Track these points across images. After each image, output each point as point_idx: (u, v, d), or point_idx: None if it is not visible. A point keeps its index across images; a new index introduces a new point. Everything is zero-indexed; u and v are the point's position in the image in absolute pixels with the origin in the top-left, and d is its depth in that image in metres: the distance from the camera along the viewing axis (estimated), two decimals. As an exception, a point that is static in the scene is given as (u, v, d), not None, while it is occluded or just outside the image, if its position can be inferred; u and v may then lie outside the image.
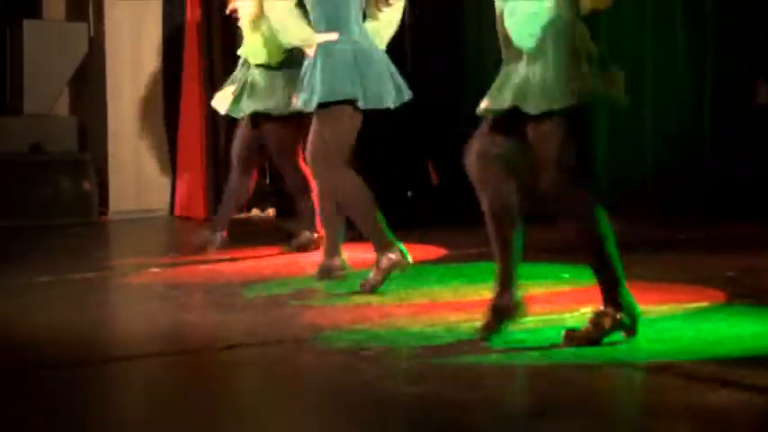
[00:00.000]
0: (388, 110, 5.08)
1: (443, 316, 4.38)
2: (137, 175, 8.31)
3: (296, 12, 5.00)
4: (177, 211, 8.24)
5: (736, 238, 6.14)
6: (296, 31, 4.98)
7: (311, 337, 4.16)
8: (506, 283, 3.96)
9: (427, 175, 7.74)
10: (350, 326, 4.31)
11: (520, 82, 3.83)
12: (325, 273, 5.14)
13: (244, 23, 6.10)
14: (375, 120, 5.13)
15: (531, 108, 3.80)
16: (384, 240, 4.91)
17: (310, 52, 4.95)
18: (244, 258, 5.99)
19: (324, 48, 4.91)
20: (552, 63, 3.79)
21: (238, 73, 6.15)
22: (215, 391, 3.60)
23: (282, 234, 6.29)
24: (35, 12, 8.36)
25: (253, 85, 6.03)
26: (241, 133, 6.20)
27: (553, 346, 3.85)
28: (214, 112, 8.02)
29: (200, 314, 4.70)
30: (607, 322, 3.85)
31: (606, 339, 3.84)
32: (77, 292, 5.20)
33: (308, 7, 4.99)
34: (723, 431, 3.01)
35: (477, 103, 3.97)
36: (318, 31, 4.95)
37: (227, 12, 6.33)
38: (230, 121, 6.43)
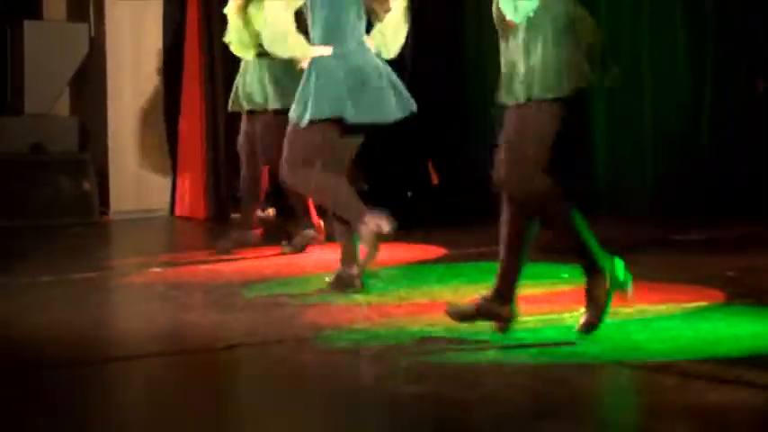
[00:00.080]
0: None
1: (443, 315, 4.38)
2: (137, 175, 8.32)
3: (291, 19, 4.97)
4: (177, 211, 8.25)
5: (735, 238, 6.14)
6: (292, 44, 4.95)
7: (312, 337, 4.17)
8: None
9: (427, 175, 7.75)
10: (350, 325, 4.32)
11: (524, 71, 3.83)
12: (343, 283, 4.93)
13: (230, 12, 6.07)
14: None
15: (503, 98, 3.83)
16: (359, 211, 4.87)
17: (304, 64, 4.94)
18: (244, 258, 6.00)
19: (317, 62, 4.90)
20: (550, 49, 3.79)
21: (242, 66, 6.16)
22: (215, 391, 3.61)
23: (283, 234, 6.28)
24: (36, 12, 8.37)
25: (245, 79, 6.05)
26: (242, 128, 6.21)
27: (552, 345, 3.86)
28: (215, 112, 8.07)
29: (201, 314, 4.71)
30: (602, 294, 3.86)
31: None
32: (78, 292, 5.21)
33: (308, 18, 4.98)
34: (722, 430, 3.01)
35: (477, 103, 3.99)
36: (314, 44, 4.94)
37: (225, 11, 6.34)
38: (228, 122, 6.43)
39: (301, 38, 4.96)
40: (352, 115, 4.84)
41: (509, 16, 3.82)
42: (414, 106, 5.04)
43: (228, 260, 5.98)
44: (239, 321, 4.45)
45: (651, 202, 7.02)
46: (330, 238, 5.40)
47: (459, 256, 5.86)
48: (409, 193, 7.75)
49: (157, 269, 5.82)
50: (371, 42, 4.99)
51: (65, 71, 8.24)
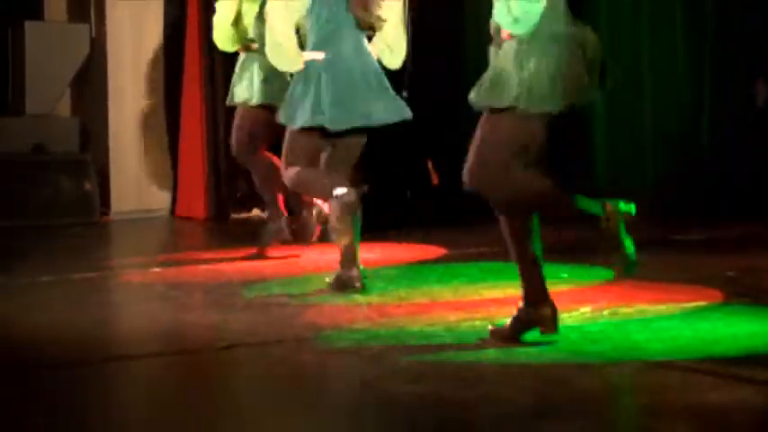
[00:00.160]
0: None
1: (443, 315, 4.39)
2: (138, 175, 8.33)
3: (289, 26, 4.97)
4: (178, 212, 8.25)
5: (735, 238, 6.15)
6: (284, 57, 4.96)
7: (311, 337, 4.17)
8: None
9: (427, 175, 7.74)
10: (350, 325, 4.32)
11: (516, 80, 3.83)
12: (342, 285, 4.92)
13: (221, 4, 6.05)
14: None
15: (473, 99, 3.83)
16: (321, 195, 4.89)
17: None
18: (244, 258, 6.00)
19: (308, 67, 4.91)
20: (530, 66, 3.79)
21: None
22: (215, 391, 3.61)
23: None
24: (37, 13, 8.37)
25: (237, 73, 6.06)
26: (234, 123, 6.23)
27: (553, 345, 3.86)
28: (215, 113, 8.07)
29: (201, 314, 4.71)
30: (612, 221, 3.87)
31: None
32: (78, 292, 5.21)
33: (307, 21, 4.99)
34: (722, 430, 3.02)
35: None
36: (309, 48, 4.95)
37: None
38: (228, 123, 6.43)
39: (294, 49, 4.96)
40: (332, 122, 4.85)
41: (508, 28, 3.81)
42: (407, 114, 5.03)
43: (229, 260, 5.99)
44: (239, 321, 4.46)
45: (651, 202, 7.01)
46: (324, 238, 5.40)
47: (459, 256, 5.87)
48: (409, 193, 7.75)
49: (157, 269, 5.83)
50: (374, 50, 5.00)
51: (66, 72, 8.25)
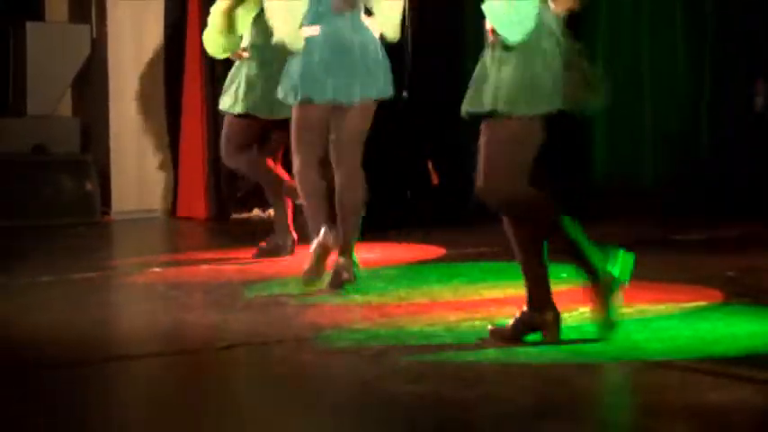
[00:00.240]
0: (389, 109, 5.09)
1: (443, 315, 4.39)
2: (139, 175, 8.33)
3: (290, 12, 4.99)
4: (179, 212, 8.26)
5: (735, 238, 6.15)
6: (285, 29, 4.99)
7: (312, 337, 4.17)
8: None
9: (427, 175, 7.75)
10: (350, 325, 4.33)
11: (493, 83, 3.83)
12: (338, 278, 4.98)
13: (216, 10, 6.04)
14: (375, 120, 5.13)
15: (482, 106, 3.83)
16: (315, 226, 4.93)
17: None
18: (244, 258, 6.00)
19: (307, 42, 4.96)
20: (525, 66, 3.80)
21: None
22: (215, 391, 3.61)
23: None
24: (38, 13, 8.38)
25: (228, 82, 6.07)
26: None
27: (552, 345, 3.87)
28: (215, 113, 8.07)
29: (201, 314, 4.72)
30: (602, 293, 3.87)
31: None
32: (79, 292, 5.22)
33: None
34: (721, 429, 3.02)
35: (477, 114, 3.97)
36: (305, 24, 4.98)
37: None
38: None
39: (297, 36, 4.98)
40: (320, 95, 4.86)
41: (502, 33, 3.81)
42: (387, 92, 5.01)
43: (229, 260, 5.99)
44: (239, 321, 4.46)
45: (651, 202, 7.02)
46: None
47: (458, 256, 5.87)
48: (409, 193, 7.75)
49: (158, 269, 5.83)
50: (373, 24, 5.02)
51: (67, 72, 8.26)
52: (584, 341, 3.91)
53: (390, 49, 5.15)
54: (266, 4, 5.13)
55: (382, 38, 5.04)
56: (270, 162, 5.96)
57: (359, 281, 5.01)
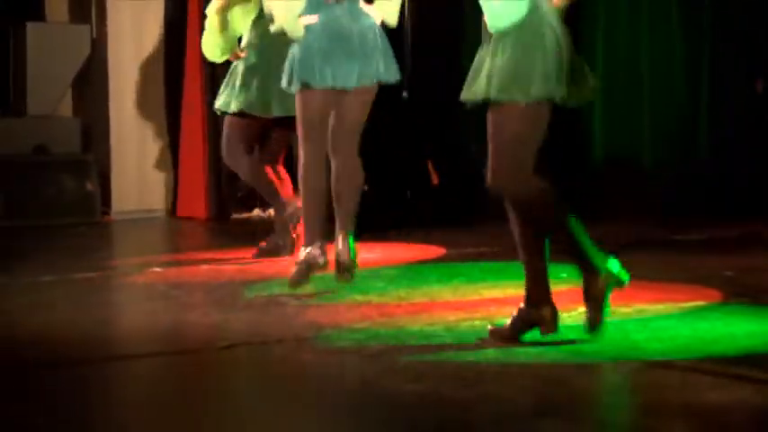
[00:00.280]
0: (389, 109, 5.09)
1: (443, 315, 4.40)
2: (139, 175, 8.34)
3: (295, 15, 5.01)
4: (179, 212, 8.27)
5: (735, 239, 6.16)
6: (285, 17, 5.00)
7: (312, 337, 4.18)
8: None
9: (427, 175, 7.75)
10: (350, 325, 4.33)
11: (486, 71, 3.85)
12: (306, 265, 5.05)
13: (210, 12, 6.05)
14: (375, 119, 5.15)
15: (481, 95, 3.84)
16: (310, 236, 4.94)
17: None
18: (245, 258, 6.01)
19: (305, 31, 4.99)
20: (519, 54, 3.81)
21: None
22: (215, 391, 3.62)
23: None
24: (38, 14, 8.39)
25: (225, 81, 6.08)
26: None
27: (552, 345, 3.87)
28: (216, 113, 8.08)
29: (202, 313, 4.72)
30: (599, 293, 3.88)
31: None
32: (80, 292, 5.22)
33: None
34: (720, 429, 3.02)
35: (477, 103, 3.98)
36: (303, 14, 5.00)
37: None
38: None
39: (298, 27, 4.99)
40: (317, 80, 4.88)
41: (489, 22, 3.84)
42: (387, 77, 5.01)
43: (230, 260, 6.00)
44: (240, 321, 4.47)
45: (651, 201, 7.03)
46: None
47: (458, 256, 5.88)
48: (409, 193, 7.76)
49: (159, 269, 5.84)
50: (373, 11, 5.03)
51: (67, 73, 8.27)
52: (584, 341, 3.92)
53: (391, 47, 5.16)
54: (265, 2, 5.14)
55: (383, 25, 5.06)
56: (270, 173, 5.97)
57: (359, 281, 5.03)
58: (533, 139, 3.86)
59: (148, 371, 3.86)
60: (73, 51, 8.22)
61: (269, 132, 5.95)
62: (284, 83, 5.07)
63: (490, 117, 3.88)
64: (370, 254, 5.86)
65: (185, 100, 8.20)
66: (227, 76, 6.02)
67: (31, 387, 3.60)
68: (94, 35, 8.33)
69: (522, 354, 3.79)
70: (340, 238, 4.99)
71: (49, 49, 8.10)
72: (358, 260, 5.05)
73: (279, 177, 5.96)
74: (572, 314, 4.24)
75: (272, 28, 5.11)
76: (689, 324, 4.12)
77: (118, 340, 4.41)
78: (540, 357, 3.76)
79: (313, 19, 4.95)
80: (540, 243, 3.92)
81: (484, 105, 3.90)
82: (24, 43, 8.07)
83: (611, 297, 3.90)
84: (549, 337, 3.93)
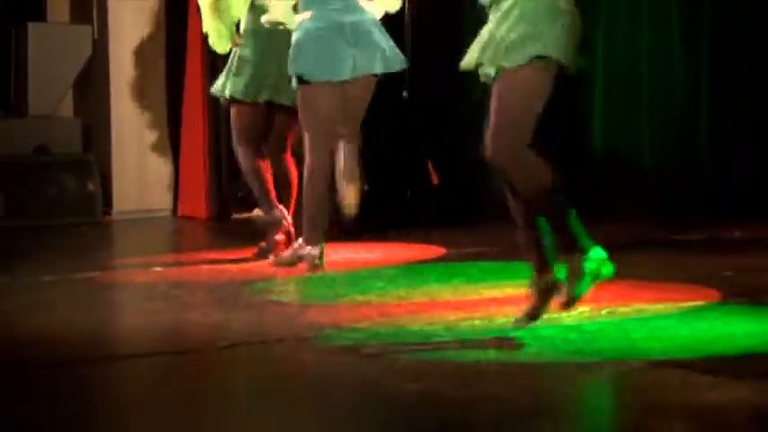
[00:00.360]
0: (390, 108, 5.11)
1: (443, 315, 4.41)
2: (140, 175, 8.35)
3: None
4: (180, 212, 8.28)
5: (734, 238, 6.16)
6: (280, 13, 5.02)
7: (312, 336, 4.19)
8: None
9: (427, 175, 7.76)
10: (350, 324, 4.34)
11: (486, 39, 3.86)
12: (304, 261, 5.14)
13: (203, 2, 6.06)
14: (375, 119, 5.16)
15: (490, 65, 3.85)
16: (315, 237, 4.96)
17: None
18: (246, 258, 6.02)
19: (298, 26, 4.99)
20: (519, 21, 3.83)
21: None
22: (216, 390, 3.63)
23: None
24: (39, 15, 8.40)
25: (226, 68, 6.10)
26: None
27: (552, 344, 3.88)
28: (217, 113, 8.10)
29: (202, 313, 4.73)
30: (577, 265, 3.89)
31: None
32: (81, 292, 5.23)
33: None
34: (720, 428, 3.03)
35: (477, 104, 4.00)
36: (301, 10, 5.03)
37: None
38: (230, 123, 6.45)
39: (290, 10, 5.01)
40: (309, 73, 4.87)
41: None
42: (384, 68, 5.02)
43: (230, 260, 6.01)
44: (240, 321, 4.48)
45: (650, 201, 7.03)
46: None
47: (458, 256, 5.88)
48: (409, 193, 7.76)
49: (160, 268, 5.85)
50: (375, 5, 5.04)
51: (68, 73, 8.28)
52: (584, 341, 3.93)
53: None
54: None
55: (384, 17, 5.08)
56: (268, 173, 5.98)
57: (359, 281, 5.04)
58: (536, 109, 3.88)
59: (148, 371, 3.87)
60: (74, 52, 8.24)
61: (273, 121, 5.92)
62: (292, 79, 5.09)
63: (496, 88, 3.88)
64: (370, 254, 5.88)
65: (186, 100, 8.21)
66: (227, 63, 6.04)
67: (31, 387, 3.61)
68: (96, 35, 8.34)
69: (522, 354, 3.80)
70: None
71: (51, 49, 8.11)
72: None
73: (288, 168, 5.94)
74: (571, 313, 4.25)
75: (264, 18, 5.12)
76: (688, 324, 4.13)
77: (118, 340, 4.42)
78: (540, 357, 3.76)
79: (306, 15, 4.97)
80: (530, 215, 3.94)
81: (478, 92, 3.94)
82: (25, 43, 8.08)
83: (612, 295, 3.92)
84: (549, 337, 3.94)
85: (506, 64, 3.84)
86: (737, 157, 6.87)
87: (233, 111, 5.98)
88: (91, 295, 5.17)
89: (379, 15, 5.05)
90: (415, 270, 5.53)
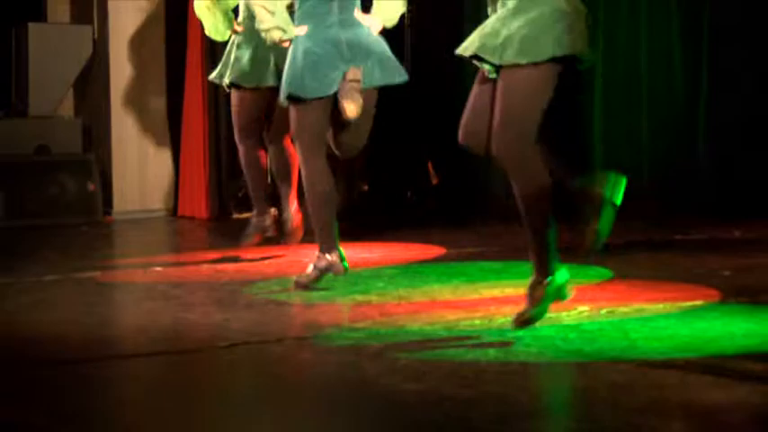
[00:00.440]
0: (390, 108, 5.11)
1: (442, 314, 4.41)
2: (140, 175, 8.36)
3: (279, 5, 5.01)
4: (180, 211, 8.29)
5: (734, 238, 6.16)
6: (275, 25, 5.00)
7: (312, 336, 4.20)
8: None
9: (427, 175, 7.77)
10: (350, 324, 4.35)
11: (494, 35, 3.87)
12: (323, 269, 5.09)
13: (200, 6, 6.06)
14: (376, 119, 5.16)
15: (497, 58, 3.85)
16: (329, 243, 4.94)
17: (286, 43, 5.02)
18: (245, 258, 6.03)
19: (294, 42, 4.97)
20: (533, 18, 3.84)
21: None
22: (216, 390, 3.63)
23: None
24: (40, 15, 8.41)
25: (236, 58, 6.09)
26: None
27: (551, 344, 3.89)
28: (217, 113, 8.11)
29: (203, 313, 4.74)
30: (540, 291, 3.90)
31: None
32: (81, 291, 5.24)
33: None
34: (719, 428, 3.03)
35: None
36: (296, 24, 5.00)
37: None
38: (231, 123, 6.46)
39: (282, 20, 4.98)
40: (307, 90, 4.88)
41: None
42: (389, 79, 5.00)
43: (231, 259, 6.02)
44: (240, 320, 4.48)
45: (650, 201, 7.03)
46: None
47: (458, 256, 5.89)
48: (409, 193, 7.77)
49: (160, 268, 5.85)
50: (372, 19, 5.03)
51: (69, 73, 8.29)
52: (583, 341, 3.93)
53: (390, 50, 5.16)
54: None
55: (382, 32, 5.06)
56: (264, 171, 6.01)
57: (359, 280, 5.04)
58: (542, 106, 3.89)
59: (149, 370, 3.87)
60: (74, 52, 8.25)
61: (273, 107, 5.92)
62: (281, 98, 5.07)
63: (502, 83, 3.88)
64: (370, 254, 5.88)
65: (187, 100, 8.21)
66: (226, 50, 6.05)
67: (32, 387, 3.61)
68: (96, 36, 8.35)
69: (522, 353, 3.80)
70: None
71: (51, 49, 8.13)
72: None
73: (288, 153, 5.95)
74: (571, 313, 4.26)
75: (265, 38, 5.09)
76: (688, 323, 4.13)
77: (119, 340, 4.42)
78: (540, 357, 3.77)
79: (302, 30, 4.94)
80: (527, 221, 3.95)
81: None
82: (26, 44, 8.09)
83: (611, 294, 3.92)
84: (548, 337, 3.94)
85: (521, 60, 3.84)
86: (737, 156, 6.88)
87: (234, 97, 5.99)
88: (91, 295, 5.17)
89: (376, 30, 5.02)
90: (414, 270, 5.53)
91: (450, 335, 4.09)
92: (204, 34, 6.30)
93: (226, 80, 5.94)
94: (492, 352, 3.83)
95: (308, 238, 5.65)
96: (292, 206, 5.93)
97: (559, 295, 4.01)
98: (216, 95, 8.04)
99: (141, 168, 8.36)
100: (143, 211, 8.30)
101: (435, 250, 6.10)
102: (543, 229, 3.91)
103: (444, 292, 4.94)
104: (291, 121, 5.03)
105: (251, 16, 5.74)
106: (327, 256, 4.93)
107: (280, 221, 6.03)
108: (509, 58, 3.86)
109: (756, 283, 4.89)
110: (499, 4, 3.95)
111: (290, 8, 5.07)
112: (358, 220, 6.83)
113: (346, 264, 4.95)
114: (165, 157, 8.40)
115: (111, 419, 3.33)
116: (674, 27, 7.07)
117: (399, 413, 3.25)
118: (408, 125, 7.61)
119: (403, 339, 4.06)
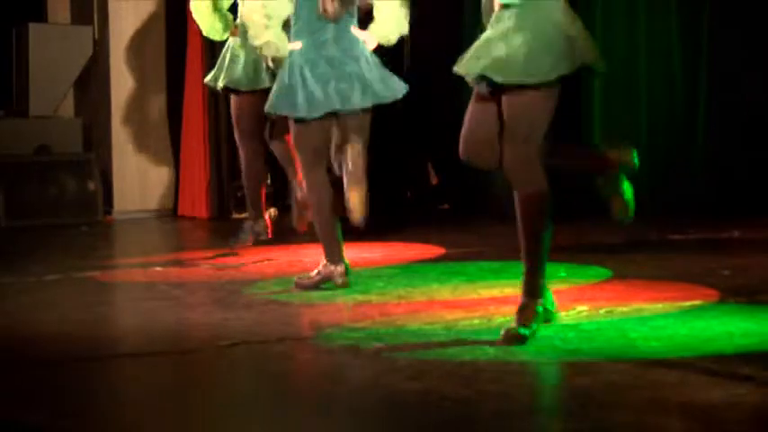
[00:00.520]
0: (389, 109, 5.10)
1: (442, 314, 4.42)
2: (141, 175, 8.36)
3: (269, 16, 4.99)
4: (180, 211, 8.29)
5: (733, 238, 6.16)
6: (273, 43, 4.98)
7: (312, 336, 4.21)
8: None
9: (427, 175, 7.78)
10: (350, 324, 4.36)
11: (497, 53, 3.85)
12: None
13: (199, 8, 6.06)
14: (375, 120, 5.17)
15: (503, 78, 3.83)
16: (335, 254, 4.95)
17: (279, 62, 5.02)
18: (245, 257, 6.03)
19: (289, 56, 4.96)
20: (534, 36, 3.82)
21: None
22: (216, 389, 3.64)
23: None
24: (40, 15, 8.42)
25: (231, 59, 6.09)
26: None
27: (551, 343, 3.90)
28: (217, 113, 8.11)
29: (203, 313, 4.75)
30: (531, 316, 3.89)
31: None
32: (81, 291, 5.25)
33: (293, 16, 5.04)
34: (718, 427, 3.03)
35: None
36: (291, 39, 4.99)
37: None
38: (231, 123, 6.48)
39: (276, 38, 4.96)
40: (304, 111, 4.87)
41: None
42: (386, 95, 4.98)
43: (230, 260, 6.02)
44: (241, 320, 4.49)
45: (649, 201, 7.04)
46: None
47: (457, 256, 5.90)
48: (409, 193, 7.78)
49: (160, 268, 5.86)
50: (369, 35, 5.01)
51: (69, 73, 8.29)
52: (582, 340, 3.94)
53: (390, 50, 5.16)
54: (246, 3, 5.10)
55: (379, 47, 5.04)
56: (263, 175, 6.03)
57: (359, 280, 5.05)
58: (549, 118, 3.89)
59: (149, 369, 3.88)
60: (75, 52, 8.25)
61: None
62: (270, 108, 5.03)
63: (508, 102, 3.86)
64: (370, 254, 5.89)
65: (186, 100, 8.22)
66: (221, 53, 6.06)
67: (32, 386, 3.62)
68: (96, 36, 8.36)
69: (521, 352, 3.81)
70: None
71: (52, 49, 8.13)
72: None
73: (290, 150, 5.95)
74: (570, 313, 4.27)
75: (251, 40, 5.08)
76: (686, 323, 4.13)
77: (119, 339, 4.43)
78: (539, 356, 3.77)
79: (297, 46, 4.93)
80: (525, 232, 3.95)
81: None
82: (27, 44, 8.10)
83: (610, 294, 3.92)
84: (548, 336, 3.95)
85: (527, 80, 3.80)
86: (736, 156, 6.88)
87: (233, 102, 6.01)
88: (91, 295, 5.18)
89: (372, 45, 5.00)
90: (414, 270, 5.54)
91: (449, 334, 4.09)
92: (203, 34, 6.31)
93: (220, 84, 5.95)
94: (491, 351, 3.83)
95: (308, 237, 5.65)
96: (302, 184, 5.93)
97: (548, 317, 4.00)
98: (216, 95, 8.04)
99: (141, 168, 8.37)
100: (143, 211, 8.31)
101: (435, 250, 6.11)
102: (540, 233, 3.90)
103: (444, 291, 4.95)
104: (291, 134, 5.05)
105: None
106: (332, 266, 4.95)
107: (295, 202, 6.00)
108: (514, 78, 3.83)
109: (755, 282, 4.89)
110: (496, 18, 3.92)
111: (286, 24, 5.06)
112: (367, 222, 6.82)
113: (350, 278, 4.97)
114: (166, 156, 8.40)
115: (111, 419, 3.33)
116: (674, 27, 7.07)
117: (399, 413, 3.26)
118: (408, 125, 7.61)
119: (402, 339, 4.07)
